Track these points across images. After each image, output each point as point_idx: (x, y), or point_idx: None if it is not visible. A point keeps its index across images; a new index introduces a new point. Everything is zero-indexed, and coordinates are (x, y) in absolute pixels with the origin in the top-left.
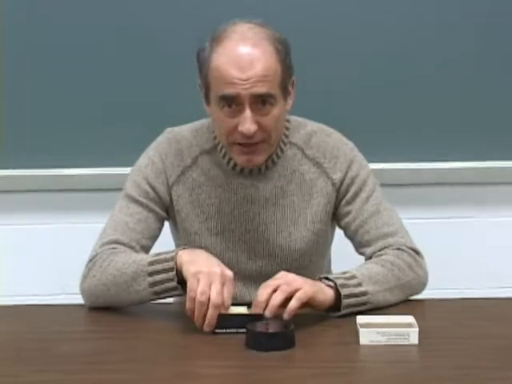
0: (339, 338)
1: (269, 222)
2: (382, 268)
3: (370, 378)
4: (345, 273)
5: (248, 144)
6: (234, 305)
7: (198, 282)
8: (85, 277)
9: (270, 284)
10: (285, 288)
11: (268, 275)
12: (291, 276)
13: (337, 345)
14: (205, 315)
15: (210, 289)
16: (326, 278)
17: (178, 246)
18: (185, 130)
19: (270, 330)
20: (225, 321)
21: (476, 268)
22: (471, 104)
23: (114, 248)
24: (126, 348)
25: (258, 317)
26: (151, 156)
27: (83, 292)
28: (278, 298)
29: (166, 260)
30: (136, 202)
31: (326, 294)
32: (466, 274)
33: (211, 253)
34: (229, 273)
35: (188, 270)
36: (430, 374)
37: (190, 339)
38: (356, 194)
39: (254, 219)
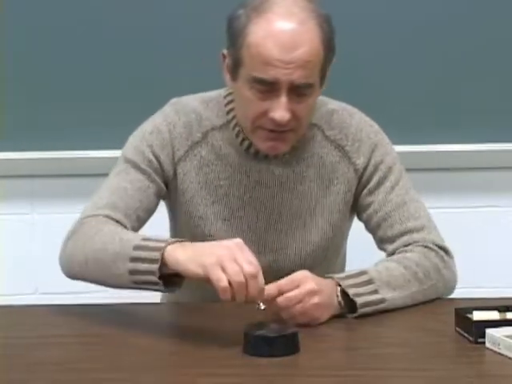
0: (350, 342)
1: (283, 211)
2: (403, 270)
3: None
4: (360, 274)
5: (275, 131)
6: None
7: (223, 268)
8: (69, 238)
9: (293, 296)
10: (304, 315)
11: (278, 272)
12: (314, 292)
13: (347, 350)
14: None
15: (238, 266)
16: (339, 284)
17: (173, 232)
18: (194, 101)
19: (271, 334)
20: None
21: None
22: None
23: (107, 216)
24: (109, 355)
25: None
26: (157, 124)
27: (62, 255)
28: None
29: (153, 249)
30: (138, 168)
31: (338, 309)
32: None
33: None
34: (239, 240)
35: (193, 269)
36: None
37: (181, 345)
38: (380, 183)
39: (267, 206)
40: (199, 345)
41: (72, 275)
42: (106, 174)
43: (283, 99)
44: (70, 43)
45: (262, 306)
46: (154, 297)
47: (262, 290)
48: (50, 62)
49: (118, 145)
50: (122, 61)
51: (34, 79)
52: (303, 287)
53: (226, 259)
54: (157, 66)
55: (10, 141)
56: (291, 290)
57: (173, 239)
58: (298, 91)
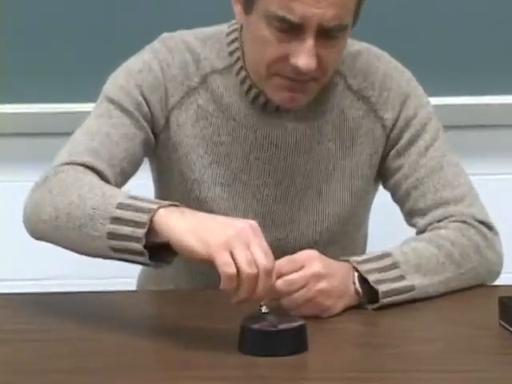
0: (369, 338)
1: (295, 175)
2: (436, 251)
3: None
4: (383, 256)
5: (295, 80)
6: None
7: (231, 254)
8: (38, 186)
9: (294, 280)
10: (310, 304)
11: (287, 252)
12: (321, 276)
13: (366, 348)
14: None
15: (251, 254)
16: (357, 269)
17: (159, 199)
18: (189, 37)
19: (272, 328)
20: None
21: None
22: None
23: (87, 164)
24: (73, 354)
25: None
26: (147, 60)
27: (27, 207)
28: (298, 302)
29: (142, 210)
30: (124, 111)
31: (355, 299)
32: None
33: (210, 212)
34: (254, 223)
35: (192, 245)
36: None
37: (162, 342)
38: (411, 143)
39: (276, 169)
40: (185, 342)
41: (37, 234)
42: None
43: (309, 43)
44: None
45: (265, 309)
46: (129, 284)
47: (272, 290)
48: None
49: (87, 97)
50: None
51: None
52: (307, 269)
53: (237, 243)
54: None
55: None
56: (292, 272)
57: (167, 202)
58: (327, 34)
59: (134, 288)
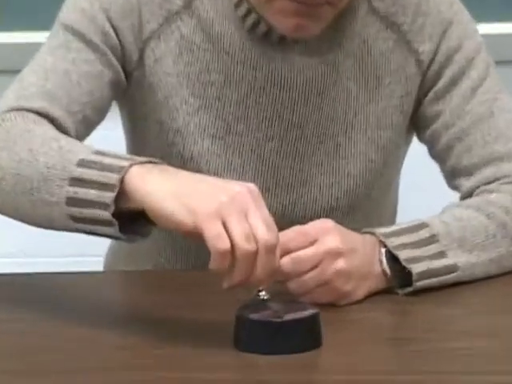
0: (400, 332)
1: (306, 125)
2: (486, 220)
3: None
4: (418, 227)
5: (305, 2)
6: None
7: (224, 224)
8: None
9: (304, 257)
10: (325, 288)
11: (295, 223)
12: (339, 253)
13: (396, 344)
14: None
15: (250, 226)
16: (384, 244)
17: (133, 153)
18: None
19: (277, 318)
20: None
21: None
22: None
23: (40, 111)
24: (27, 350)
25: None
26: None
27: None
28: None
29: (110, 168)
30: (86, 42)
31: (383, 282)
32: None
33: (197, 172)
34: (252, 186)
35: (174, 212)
36: None
37: (138, 336)
38: (454, 83)
39: (282, 117)
40: (165, 336)
41: None
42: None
43: None
44: None
45: (266, 295)
46: (96, 263)
47: (276, 271)
48: None
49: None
50: None
51: None
52: (321, 244)
53: (231, 212)
54: None
55: None
56: (302, 247)
57: (143, 158)
58: None
59: (101, 268)
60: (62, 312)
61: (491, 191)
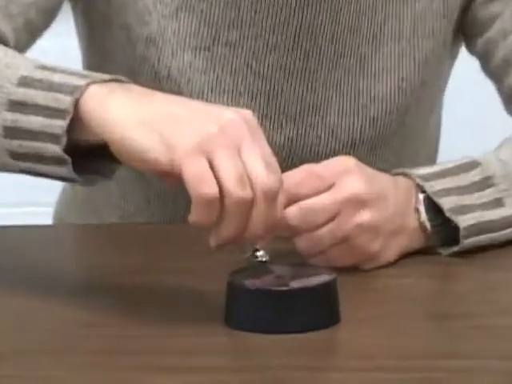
0: (441, 305)
1: (320, 33)
2: None
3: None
4: (468, 166)
5: None
6: None
7: (211, 160)
8: None
9: (326, 204)
10: (344, 247)
11: (304, 160)
12: (362, 202)
13: (437, 320)
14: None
15: (244, 165)
16: (423, 188)
17: (90, 69)
18: None
19: (281, 287)
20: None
21: None
22: None
23: None
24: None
25: None
26: None
27: None
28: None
29: (60, 88)
30: None
31: (421, 239)
32: None
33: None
34: (248, 113)
35: (144, 144)
36: None
37: (101, 310)
38: None
39: (287, 23)
40: (136, 309)
41: None
42: None
43: None
44: None
45: (264, 256)
46: (44, 215)
47: (278, 224)
48: None
49: None
50: None
51: None
52: (339, 189)
53: (220, 146)
54: None
55: None
56: (314, 193)
57: (104, 75)
58: None
59: (50, 221)
60: (15, 280)
61: None
